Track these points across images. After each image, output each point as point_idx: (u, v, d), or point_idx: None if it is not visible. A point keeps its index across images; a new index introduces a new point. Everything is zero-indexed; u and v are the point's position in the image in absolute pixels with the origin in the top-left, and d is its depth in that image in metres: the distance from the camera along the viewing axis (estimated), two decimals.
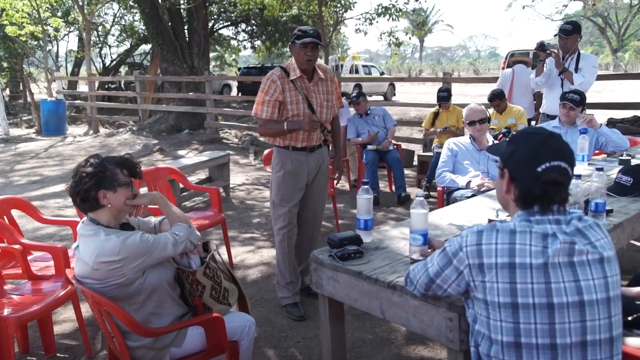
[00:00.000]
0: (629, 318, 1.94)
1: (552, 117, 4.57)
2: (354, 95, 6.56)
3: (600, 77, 5.84)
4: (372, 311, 1.89)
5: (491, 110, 5.82)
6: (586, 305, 1.35)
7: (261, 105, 3.11)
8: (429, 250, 1.92)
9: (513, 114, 5.91)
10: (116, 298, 1.98)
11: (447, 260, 1.48)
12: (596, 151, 4.10)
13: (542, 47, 4.83)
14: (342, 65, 20.28)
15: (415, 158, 7.66)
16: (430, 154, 6.37)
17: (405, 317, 1.77)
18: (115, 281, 1.94)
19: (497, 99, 5.80)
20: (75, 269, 2.04)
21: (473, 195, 3.29)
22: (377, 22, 13.20)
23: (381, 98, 19.59)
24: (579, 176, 2.29)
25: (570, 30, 4.73)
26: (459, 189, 3.73)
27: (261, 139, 10.92)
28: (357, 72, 20.71)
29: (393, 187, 6.32)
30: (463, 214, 2.55)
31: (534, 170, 1.42)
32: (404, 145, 7.88)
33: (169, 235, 2.06)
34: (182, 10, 12.24)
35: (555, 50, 4.75)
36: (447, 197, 3.88)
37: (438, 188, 4.11)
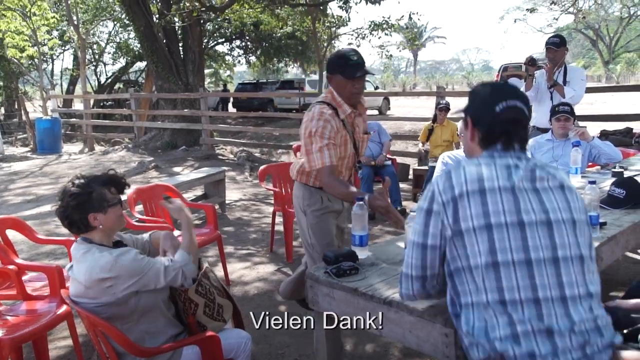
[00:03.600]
0: (625, 331, 1.94)
1: (543, 130, 4.61)
2: None
3: (592, 90, 5.90)
4: (367, 328, 1.89)
5: None
6: (553, 223, 1.44)
7: (321, 153, 2.50)
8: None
9: None
10: (111, 317, 1.97)
11: (426, 212, 1.51)
12: (589, 163, 4.13)
13: (532, 61, 4.90)
14: None
15: (411, 172, 7.69)
16: (426, 167, 6.39)
17: (402, 333, 1.77)
18: (108, 300, 1.93)
19: None
20: (70, 289, 2.03)
21: None
22: (369, 40, 13.23)
23: (376, 112, 19.68)
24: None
25: (559, 43, 4.81)
26: None
27: (257, 154, 10.96)
28: None
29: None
30: None
31: (492, 111, 1.54)
32: (399, 159, 7.90)
33: (164, 261, 2.03)
34: (176, 28, 12.32)
35: (547, 64, 4.81)
36: None
37: None
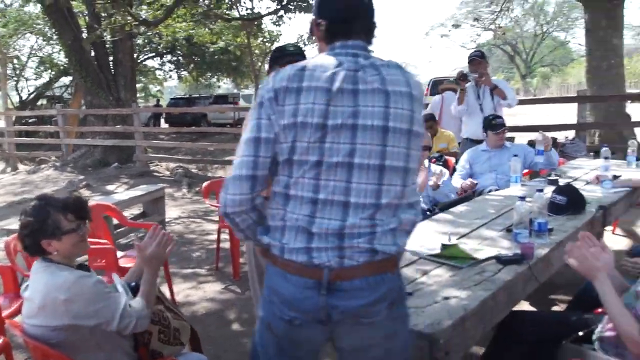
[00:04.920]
0: (580, 333, 2.03)
1: (476, 141, 4.83)
2: None
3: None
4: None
5: None
6: (359, 128, 1.37)
7: None
8: None
9: (444, 139, 6.14)
10: (63, 345, 1.82)
11: (259, 105, 1.43)
12: (525, 170, 4.33)
13: (463, 76, 5.16)
14: None
15: None
16: None
17: None
18: (61, 323, 1.78)
19: (431, 121, 6.08)
20: (23, 311, 1.88)
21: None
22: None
23: None
24: (523, 198, 2.40)
25: (481, 55, 5.21)
26: None
27: (193, 170, 10.71)
28: None
29: None
30: (415, 239, 2.57)
31: (332, 4, 1.49)
32: None
33: (124, 302, 1.87)
34: (105, 42, 11.91)
35: (483, 72, 5.07)
36: None
37: None
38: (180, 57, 20.33)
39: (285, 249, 1.41)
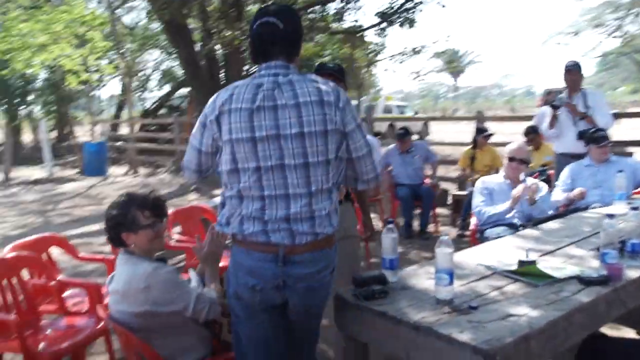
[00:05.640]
0: None
1: (572, 156, 4.58)
2: (402, 132, 6.37)
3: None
4: (396, 353, 1.86)
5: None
6: (281, 137, 1.74)
7: None
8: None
9: (548, 152, 5.83)
10: (141, 330, 2.00)
11: (202, 125, 1.85)
12: (637, 190, 3.99)
13: (554, 107, 4.94)
14: (375, 106, 20.47)
15: (450, 196, 7.57)
16: (465, 192, 6.30)
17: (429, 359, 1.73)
18: (140, 310, 1.96)
19: (533, 134, 5.84)
20: (109, 300, 2.09)
21: (512, 231, 3.25)
22: (403, 61, 13.32)
23: (416, 137, 19.61)
24: (612, 216, 2.23)
25: (578, 66, 4.96)
26: (494, 226, 3.69)
27: None
28: (390, 112, 20.84)
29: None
30: (493, 254, 2.50)
31: (253, 29, 1.84)
32: (442, 184, 7.86)
33: (196, 289, 2.05)
34: (216, 56, 12.66)
35: (569, 101, 4.90)
36: (480, 235, 3.83)
37: (471, 227, 4.06)
38: None
39: (247, 234, 1.79)
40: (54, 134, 21.87)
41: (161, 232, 2.12)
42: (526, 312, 1.80)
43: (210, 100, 1.84)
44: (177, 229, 4.44)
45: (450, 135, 18.77)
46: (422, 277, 2.21)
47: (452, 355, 1.65)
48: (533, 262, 2.20)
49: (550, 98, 6.90)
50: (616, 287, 2.02)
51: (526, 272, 2.15)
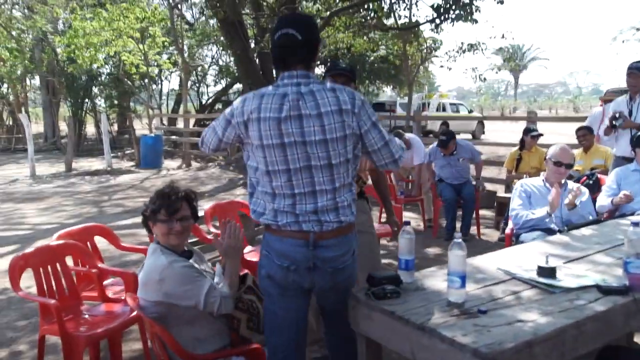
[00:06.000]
0: None
1: (627, 159, 4.42)
2: (444, 139, 6.11)
3: None
4: (403, 353, 1.89)
5: (577, 152, 5.59)
6: (307, 143, 1.98)
7: None
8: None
9: (599, 154, 5.65)
10: (160, 318, 2.12)
11: (227, 121, 2.08)
12: None
13: (613, 126, 4.77)
14: (429, 104, 20.23)
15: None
16: (510, 195, 6.16)
17: None
18: (157, 299, 2.09)
19: (585, 130, 5.65)
20: (138, 289, 2.23)
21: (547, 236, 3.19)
22: (458, 58, 13.08)
23: (469, 136, 19.24)
24: (637, 224, 2.16)
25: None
26: (530, 230, 3.63)
27: None
28: (444, 110, 20.54)
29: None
30: (514, 259, 2.48)
31: (274, 40, 2.04)
32: (488, 186, 7.71)
33: (208, 283, 2.14)
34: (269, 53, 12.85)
35: (628, 119, 4.73)
36: (516, 240, 3.77)
37: (506, 231, 4.00)
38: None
39: (280, 224, 2.04)
40: (115, 127, 22.86)
41: (173, 229, 2.22)
42: (535, 319, 1.80)
43: (239, 101, 2.07)
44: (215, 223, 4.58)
45: (506, 135, 18.32)
46: (438, 279, 2.22)
47: (453, 357, 1.67)
48: (553, 269, 2.17)
49: (605, 98, 6.64)
50: (636, 297, 1.97)
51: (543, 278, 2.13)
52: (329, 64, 3.48)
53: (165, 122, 19.82)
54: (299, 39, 2.00)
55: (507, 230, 3.98)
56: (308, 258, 2.04)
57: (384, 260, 4.52)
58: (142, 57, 16.05)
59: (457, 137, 6.28)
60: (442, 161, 6.22)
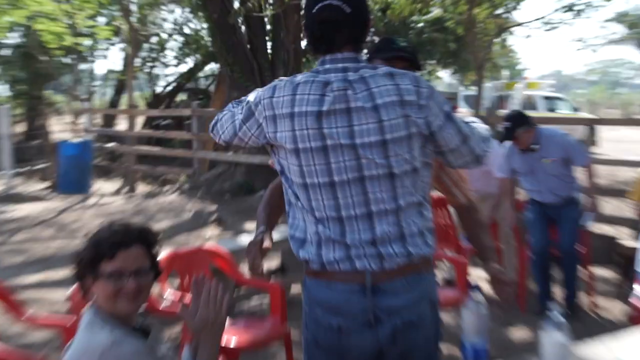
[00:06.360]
0: None
1: None
2: (507, 126, 5.65)
3: None
4: None
5: None
6: (358, 146, 2.11)
7: None
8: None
9: None
10: None
11: (250, 113, 2.28)
12: None
13: None
14: (508, 97, 20.22)
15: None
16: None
17: None
18: None
19: None
20: None
21: None
22: (555, 24, 12.96)
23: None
24: None
25: None
26: None
27: None
28: (533, 108, 20.53)
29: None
30: None
31: (312, 13, 2.20)
32: (604, 228, 7.65)
33: None
34: (264, 19, 12.87)
35: None
36: None
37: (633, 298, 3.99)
38: (374, 37, 21.23)
39: (325, 261, 2.14)
40: (22, 127, 22.94)
41: (128, 289, 2.18)
42: None
43: (267, 89, 2.26)
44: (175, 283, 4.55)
45: (632, 148, 18.22)
46: None
47: None
48: None
49: None
50: None
51: None
52: (377, 42, 3.37)
53: (99, 120, 19.95)
54: (347, 12, 2.15)
55: (636, 299, 3.94)
56: (366, 309, 2.11)
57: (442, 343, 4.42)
58: (68, 24, 16.23)
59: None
60: (520, 163, 5.86)
